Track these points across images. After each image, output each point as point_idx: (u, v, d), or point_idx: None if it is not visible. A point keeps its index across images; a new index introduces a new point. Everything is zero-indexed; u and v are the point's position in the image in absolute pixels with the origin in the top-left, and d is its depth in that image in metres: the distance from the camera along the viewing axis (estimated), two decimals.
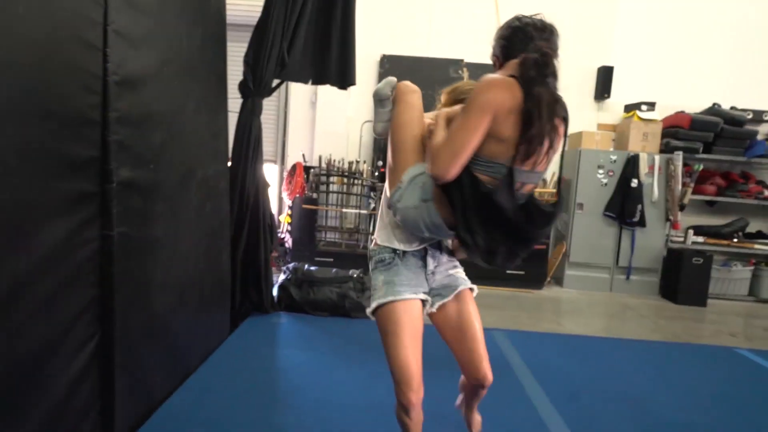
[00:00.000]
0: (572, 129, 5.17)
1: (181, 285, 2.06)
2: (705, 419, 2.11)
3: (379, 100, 1.45)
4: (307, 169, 4.88)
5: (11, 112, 1.15)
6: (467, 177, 1.19)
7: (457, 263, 1.49)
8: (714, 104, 4.96)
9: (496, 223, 1.20)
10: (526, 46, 1.23)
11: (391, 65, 5.05)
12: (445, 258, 1.46)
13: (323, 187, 4.83)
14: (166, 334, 1.94)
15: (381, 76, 5.05)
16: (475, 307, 1.44)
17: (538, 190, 4.85)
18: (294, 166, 4.85)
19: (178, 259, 2.02)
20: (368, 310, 1.39)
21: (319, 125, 5.16)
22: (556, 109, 1.20)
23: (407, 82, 1.42)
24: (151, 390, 1.86)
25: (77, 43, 1.36)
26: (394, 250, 1.39)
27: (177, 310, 2.04)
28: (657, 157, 4.77)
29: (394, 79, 1.45)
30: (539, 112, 1.14)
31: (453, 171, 1.18)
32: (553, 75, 1.20)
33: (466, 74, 5.14)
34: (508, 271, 4.69)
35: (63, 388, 1.38)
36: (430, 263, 1.42)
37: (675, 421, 2.07)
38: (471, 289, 1.46)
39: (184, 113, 2.04)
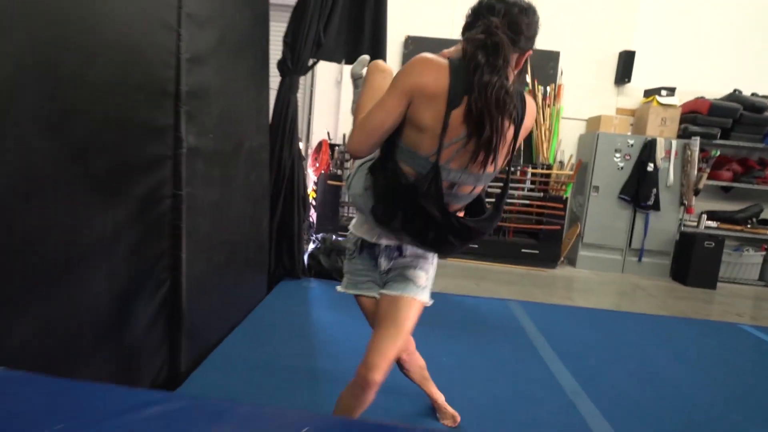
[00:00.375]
0: (591, 113, 5.28)
1: (231, 245, 2.29)
2: (702, 380, 2.30)
3: (353, 80, 1.43)
4: (332, 146, 5.07)
5: (114, 87, 1.36)
6: (391, 165, 1.12)
7: (422, 266, 1.33)
8: (735, 90, 5.01)
9: (411, 215, 1.13)
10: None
11: (415, 46, 5.16)
12: (405, 260, 1.34)
13: (347, 164, 5.03)
14: (218, 287, 2.17)
15: (405, 57, 5.17)
16: (405, 314, 1.26)
17: (555, 171, 4.99)
18: (320, 144, 5.04)
19: (230, 221, 2.25)
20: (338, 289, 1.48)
21: (344, 104, 5.33)
22: (507, 107, 1.02)
23: (378, 62, 1.33)
24: (208, 334, 2.11)
25: (159, 25, 1.57)
26: (356, 240, 1.39)
27: (227, 267, 2.27)
28: (674, 142, 4.85)
29: (366, 57, 1.42)
30: (487, 109, 1.00)
31: (363, 149, 1.11)
32: (505, 61, 1.01)
33: None
34: (523, 250, 4.88)
35: (143, 324, 1.63)
36: (383, 264, 1.35)
37: (673, 378, 2.26)
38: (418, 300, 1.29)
39: (235, 89, 2.24)
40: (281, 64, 2.94)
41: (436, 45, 5.18)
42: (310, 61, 3.00)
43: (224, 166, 2.14)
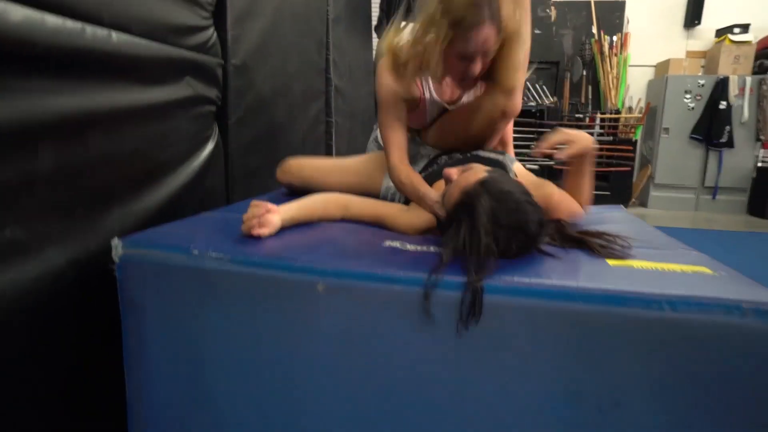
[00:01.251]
0: (659, 58, 5.41)
1: None
2: None
3: None
4: None
5: (300, 37, 1.99)
6: None
7: None
8: None
9: None
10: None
11: None
12: None
13: None
14: None
15: None
16: None
17: (624, 115, 5.22)
18: None
19: (356, 147, 2.88)
20: None
21: None
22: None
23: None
24: None
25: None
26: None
27: None
28: (748, 79, 4.90)
29: None
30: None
31: None
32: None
33: (553, 13, 5.51)
34: (594, 192, 5.19)
35: None
36: None
37: None
38: None
39: (353, 45, 2.85)
40: (378, 28, 3.52)
41: None
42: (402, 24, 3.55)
43: (352, 105, 2.77)
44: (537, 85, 5.39)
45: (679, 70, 5.16)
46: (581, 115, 5.24)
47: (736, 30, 5.04)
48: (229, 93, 1.38)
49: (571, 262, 0.73)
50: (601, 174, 5.22)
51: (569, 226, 0.93)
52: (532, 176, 1.22)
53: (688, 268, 0.68)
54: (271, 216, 0.90)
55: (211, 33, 1.25)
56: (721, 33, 5.19)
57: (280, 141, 1.81)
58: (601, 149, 5.18)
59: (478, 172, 0.83)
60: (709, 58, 5.29)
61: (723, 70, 5.04)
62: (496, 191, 0.77)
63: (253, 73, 1.53)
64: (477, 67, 1.05)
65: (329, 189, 1.37)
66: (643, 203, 5.40)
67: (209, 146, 1.28)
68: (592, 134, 5.24)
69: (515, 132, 5.24)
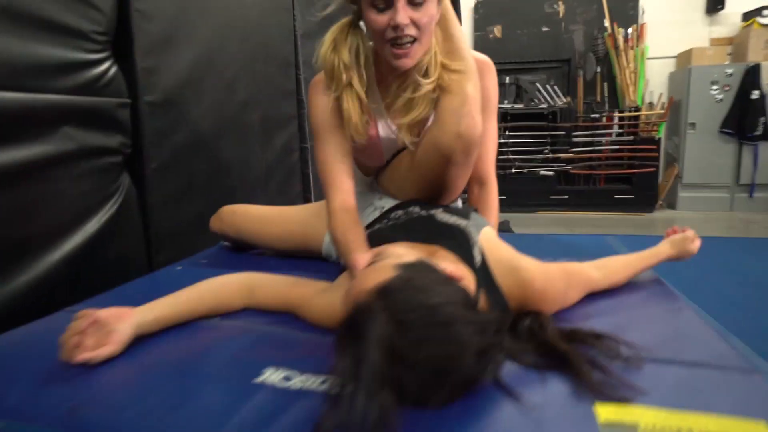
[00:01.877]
0: (680, 48, 5.01)
1: None
2: None
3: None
4: None
5: (258, 58, 1.76)
6: None
7: None
8: None
9: None
10: None
11: (485, 10, 5.25)
12: None
13: None
14: None
15: (476, 23, 5.28)
16: None
17: (644, 112, 4.84)
18: None
19: None
20: None
21: None
22: None
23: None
24: None
25: (281, 8, 1.95)
26: None
27: None
28: None
29: None
30: None
31: None
32: None
33: (561, 9, 5.18)
34: (616, 196, 4.80)
35: None
36: None
37: None
38: None
39: None
40: None
41: (507, 5, 5.20)
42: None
43: None
44: (548, 86, 5.05)
45: (703, 59, 4.75)
46: (597, 115, 4.87)
47: (765, 12, 4.61)
48: (143, 137, 1.15)
49: (537, 415, 0.45)
50: (623, 177, 4.84)
51: (549, 326, 0.62)
52: (506, 251, 0.81)
53: (737, 428, 0.39)
54: (113, 327, 0.64)
55: (105, 68, 1.02)
56: (748, 16, 4.76)
57: (232, 180, 1.58)
58: (621, 150, 4.80)
59: (383, 269, 0.53)
60: (736, 45, 4.86)
61: (753, 56, 4.60)
62: (403, 307, 0.47)
63: (181, 109, 1.30)
64: (401, 15, 0.82)
65: (264, 241, 1.15)
66: (671, 205, 4.97)
67: (112, 206, 1.05)
68: (610, 134, 4.86)
69: (527, 137, 4.93)
